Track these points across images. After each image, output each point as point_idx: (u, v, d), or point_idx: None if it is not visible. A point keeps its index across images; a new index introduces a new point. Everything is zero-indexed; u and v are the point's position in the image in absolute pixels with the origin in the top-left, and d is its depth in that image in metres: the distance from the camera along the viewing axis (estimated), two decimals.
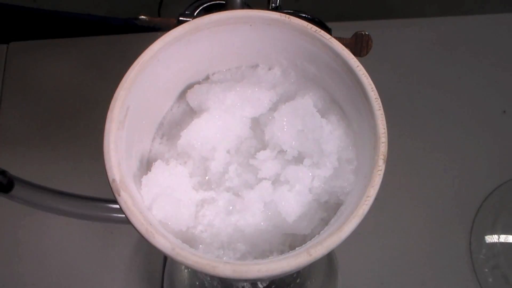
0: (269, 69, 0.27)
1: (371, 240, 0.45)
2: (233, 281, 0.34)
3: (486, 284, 0.43)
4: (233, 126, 0.25)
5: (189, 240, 0.22)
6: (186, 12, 0.41)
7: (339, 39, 0.24)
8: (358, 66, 0.23)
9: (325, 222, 0.23)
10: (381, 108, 0.22)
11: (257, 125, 0.25)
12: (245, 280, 0.30)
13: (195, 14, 0.41)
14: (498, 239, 0.45)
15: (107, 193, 0.23)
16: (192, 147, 0.24)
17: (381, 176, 0.20)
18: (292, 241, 0.23)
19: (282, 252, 0.22)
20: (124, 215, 0.20)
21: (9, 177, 0.27)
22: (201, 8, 0.42)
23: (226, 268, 0.18)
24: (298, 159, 0.24)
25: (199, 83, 0.27)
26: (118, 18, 0.59)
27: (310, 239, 0.22)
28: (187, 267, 0.21)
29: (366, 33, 0.38)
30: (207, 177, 0.24)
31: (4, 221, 0.47)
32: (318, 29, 0.24)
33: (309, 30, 0.24)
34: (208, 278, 0.35)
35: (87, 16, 0.60)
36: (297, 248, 0.21)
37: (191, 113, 0.26)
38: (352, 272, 0.43)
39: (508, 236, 0.45)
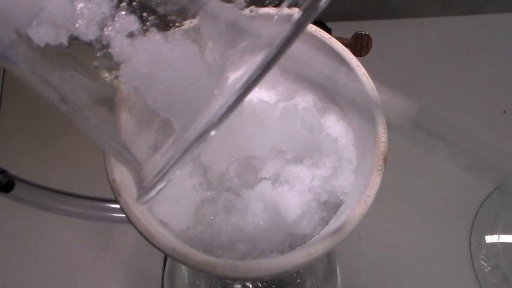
0: None
1: (371, 240, 0.45)
2: (233, 281, 0.34)
3: (486, 284, 0.43)
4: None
5: (189, 240, 0.22)
6: None
7: (339, 39, 0.24)
8: (358, 66, 0.23)
9: (325, 222, 0.23)
10: (381, 107, 0.22)
11: None
12: (245, 280, 0.30)
13: None
14: (498, 239, 0.45)
15: (107, 193, 0.23)
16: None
17: (381, 176, 0.20)
18: (292, 241, 0.23)
19: (282, 251, 0.22)
20: (124, 215, 0.20)
21: (9, 177, 0.27)
22: None
23: (226, 267, 0.18)
24: (298, 159, 0.24)
25: None
26: None
27: (310, 239, 0.22)
28: (187, 267, 0.21)
29: (366, 33, 0.38)
30: (207, 177, 0.24)
31: (4, 221, 0.47)
32: (318, 29, 0.24)
33: (309, 29, 0.24)
34: (209, 280, 0.35)
35: None
36: (297, 248, 0.21)
37: None
38: (352, 272, 0.43)
39: (508, 236, 0.45)
